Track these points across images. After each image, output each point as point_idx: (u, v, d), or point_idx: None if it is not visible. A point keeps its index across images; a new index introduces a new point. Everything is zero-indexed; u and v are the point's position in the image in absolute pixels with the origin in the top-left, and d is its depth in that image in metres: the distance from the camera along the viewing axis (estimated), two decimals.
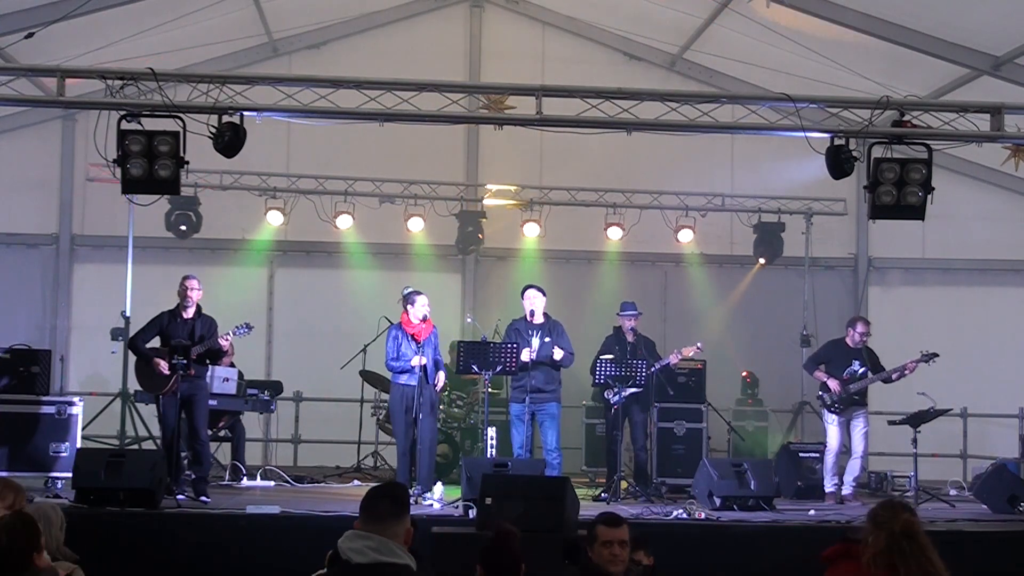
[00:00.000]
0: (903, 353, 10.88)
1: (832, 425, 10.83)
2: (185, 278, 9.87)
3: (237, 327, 9.96)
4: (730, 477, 9.68)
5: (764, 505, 9.56)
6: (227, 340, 9.89)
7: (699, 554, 8.27)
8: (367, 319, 12.64)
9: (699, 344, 11.09)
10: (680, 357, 11.07)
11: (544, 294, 10.64)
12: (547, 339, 10.39)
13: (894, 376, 10.78)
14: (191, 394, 9.68)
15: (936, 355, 10.60)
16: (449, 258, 15.22)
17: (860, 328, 11.00)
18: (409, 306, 10.23)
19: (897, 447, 12.22)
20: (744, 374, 14.05)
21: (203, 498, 9.37)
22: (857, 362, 10.87)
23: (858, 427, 10.83)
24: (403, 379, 10.17)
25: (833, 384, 10.76)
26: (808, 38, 12.31)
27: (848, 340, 11.04)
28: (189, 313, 9.76)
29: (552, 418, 10.39)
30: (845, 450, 11.08)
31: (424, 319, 10.11)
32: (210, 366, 10.17)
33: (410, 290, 10.52)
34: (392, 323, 10.72)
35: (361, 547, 3.80)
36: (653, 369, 10.81)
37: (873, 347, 11.06)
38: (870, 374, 10.84)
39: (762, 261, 14.77)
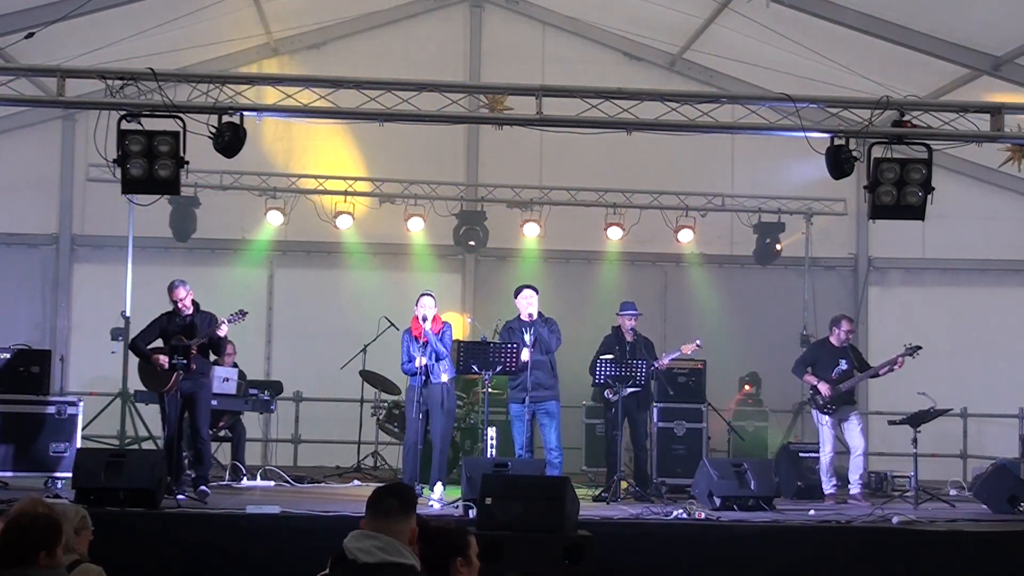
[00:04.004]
0: None
1: (825, 427, 10.82)
2: (171, 289, 9.72)
3: (232, 315, 9.90)
4: (730, 477, 9.66)
5: (764, 505, 9.54)
6: (224, 328, 9.81)
7: (699, 554, 8.27)
8: (367, 319, 12.64)
9: (698, 341, 11.08)
10: (679, 354, 11.07)
11: (536, 292, 10.56)
12: (542, 331, 10.36)
13: (881, 371, 10.79)
14: (193, 392, 9.67)
15: (919, 347, 10.61)
16: (449, 258, 15.24)
17: (845, 327, 10.99)
18: (415, 307, 10.24)
19: (897, 447, 12.23)
20: (748, 388, 14.04)
21: (203, 488, 9.38)
22: (844, 361, 10.86)
23: (853, 425, 10.81)
24: (416, 381, 10.08)
25: (823, 388, 10.74)
26: (808, 38, 12.32)
27: (833, 340, 11.02)
28: (187, 313, 9.74)
29: (552, 416, 10.36)
30: (843, 449, 11.07)
31: (425, 319, 10.09)
32: (213, 365, 10.15)
33: (422, 291, 10.47)
34: (392, 322, 10.72)
35: (368, 547, 3.80)
36: (654, 368, 10.80)
37: (873, 347, 11.07)
38: (856, 372, 10.85)
39: (779, 247, 14.75)
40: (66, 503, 5.62)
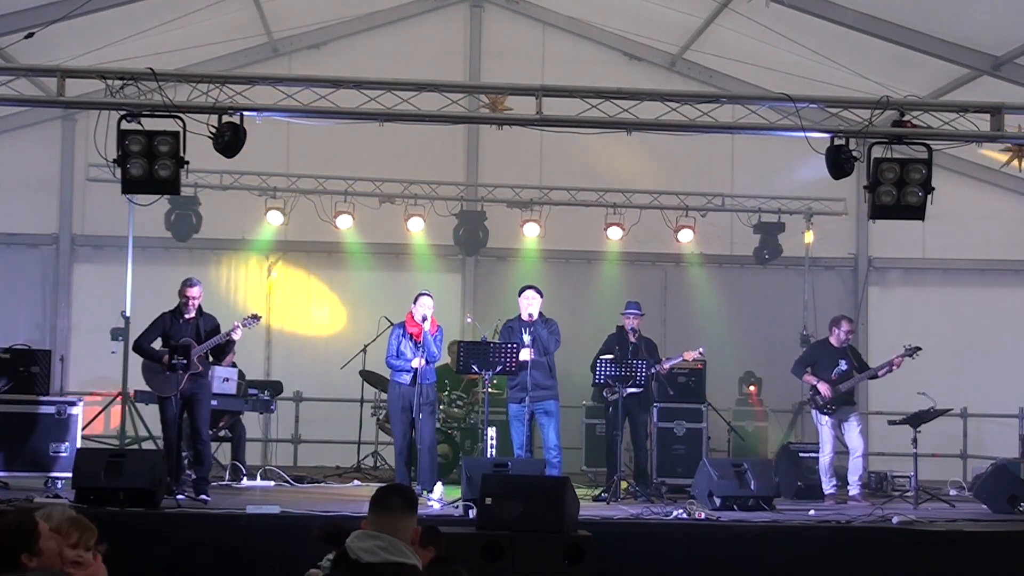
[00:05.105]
0: None
1: (825, 427, 10.82)
2: (186, 286, 9.71)
3: (247, 319, 9.92)
4: (730, 477, 9.66)
5: (764, 505, 9.55)
6: (239, 332, 9.80)
7: (699, 554, 8.27)
8: (367, 319, 12.67)
9: (701, 349, 11.07)
10: (682, 360, 11.07)
11: (541, 294, 10.62)
12: (541, 332, 10.39)
13: (880, 372, 10.80)
14: (193, 393, 9.64)
15: (919, 348, 10.63)
16: (449, 258, 15.24)
17: (845, 327, 11.00)
18: (413, 305, 10.28)
19: (897, 447, 12.22)
20: (752, 388, 14.04)
21: (203, 496, 9.36)
22: (844, 361, 10.87)
23: (852, 426, 10.82)
24: (400, 378, 10.23)
25: (823, 388, 10.74)
26: (808, 38, 12.32)
27: (833, 340, 11.03)
28: (191, 314, 9.73)
29: (550, 415, 10.38)
30: (843, 450, 11.07)
31: (424, 319, 10.13)
32: (212, 365, 10.15)
33: (421, 291, 10.52)
34: (392, 323, 10.75)
35: (371, 546, 3.81)
36: (654, 370, 10.80)
37: (873, 347, 11.07)
38: (856, 373, 10.85)
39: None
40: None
